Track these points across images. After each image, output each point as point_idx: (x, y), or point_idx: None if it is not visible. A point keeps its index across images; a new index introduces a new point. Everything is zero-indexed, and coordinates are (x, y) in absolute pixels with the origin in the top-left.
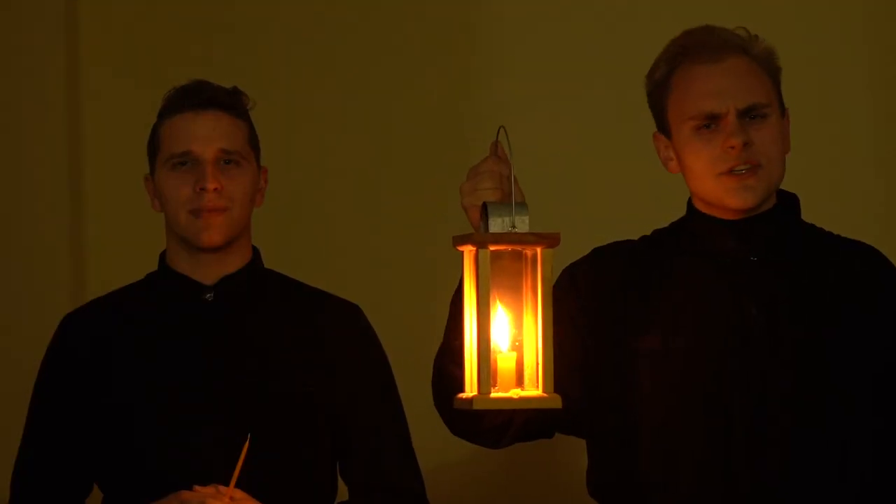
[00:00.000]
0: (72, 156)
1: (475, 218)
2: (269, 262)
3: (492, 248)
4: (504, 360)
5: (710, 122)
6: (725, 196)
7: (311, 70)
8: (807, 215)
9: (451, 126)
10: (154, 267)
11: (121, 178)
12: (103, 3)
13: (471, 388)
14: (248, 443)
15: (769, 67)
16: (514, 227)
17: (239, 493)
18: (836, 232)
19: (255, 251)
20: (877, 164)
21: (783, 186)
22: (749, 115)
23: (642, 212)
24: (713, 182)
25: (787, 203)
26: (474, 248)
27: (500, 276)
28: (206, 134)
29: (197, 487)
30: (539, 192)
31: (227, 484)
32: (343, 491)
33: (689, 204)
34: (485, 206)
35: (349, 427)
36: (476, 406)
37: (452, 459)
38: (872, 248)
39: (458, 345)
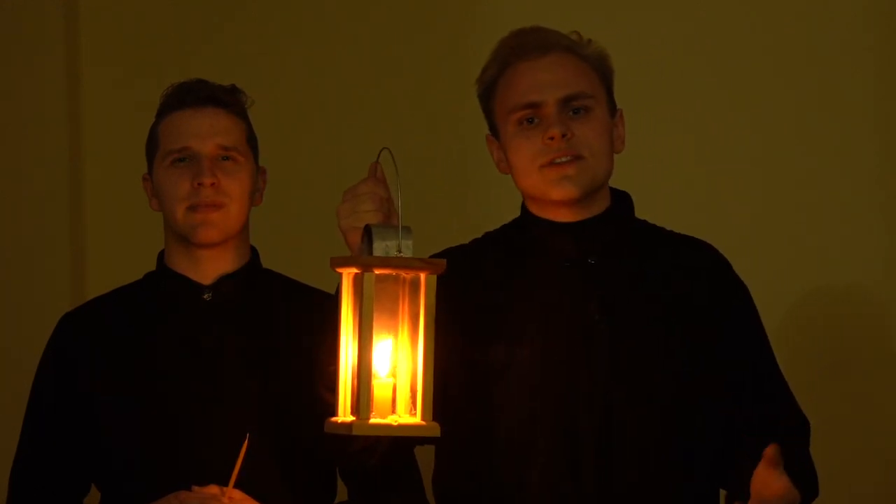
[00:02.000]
0: (72, 156)
1: (354, 240)
2: (267, 262)
3: (377, 271)
4: (381, 386)
5: (532, 115)
6: (547, 188)
7: (310, 70)
8: (808, 214)
9: (451, 127)
10: (154, 267)
11: (121, 178)
12: (103, 3)
13: (345, 413)
14: (246, 443)
15: (599, 68)
16: (399, 251)
17: (238, 494)
18: (842, 231)
19: (254, 251)
20: (880, 167)
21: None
22: (571, 108)
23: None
24: (536, 175)
25: (621, 202)
26: (357, 272)
27: (379, 301)
28: (203, 130)
29: (195, 487)
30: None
31: (225, 484)
32: (343, 491)
33: (523, 206)
34: (368, 229)
35: None
36: (356, 431)
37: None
38: (707, 243)
39: (333, 370)
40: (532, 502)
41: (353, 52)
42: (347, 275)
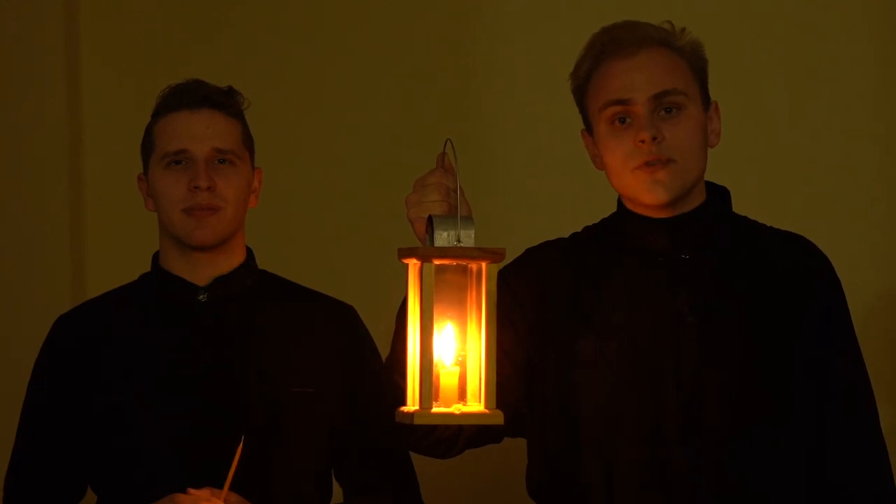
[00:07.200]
0: (72, 156)
1: (421, 231)
2: (262, 263)
3: (436, 262)
4: (447, 375)
5: (623, 114)
6: (639, 191)
7: (309, 70)
8: (806, 213)
9: (451, 127)
10: (149, 268)
11: (121, 178)
12: (103, 3)
13: (413, 403)
14: (241, 445)
15: (693, 60)
16: (459, 241)
17: (233, 497)
18: (836, 229)
19: (249, 252)
20: (880, 166)
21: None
22: (663, 106)
23: None
24: (629, 177)
25: (718, 197)
26: (419, 262)
27: (445, 290)
28: (200, 132)
29: (191, 490)
30: (546, 189)
31: (221, 486)
32: (338, 492)
33: (619, 202)
34: (430, 220)
35: (343, 428)
36: (417, 421)
37: (447, 459)
38: (807, 240)
39: (404, 358)
40: (619, 496)
41: (353, 52)
42: (412, 265)
